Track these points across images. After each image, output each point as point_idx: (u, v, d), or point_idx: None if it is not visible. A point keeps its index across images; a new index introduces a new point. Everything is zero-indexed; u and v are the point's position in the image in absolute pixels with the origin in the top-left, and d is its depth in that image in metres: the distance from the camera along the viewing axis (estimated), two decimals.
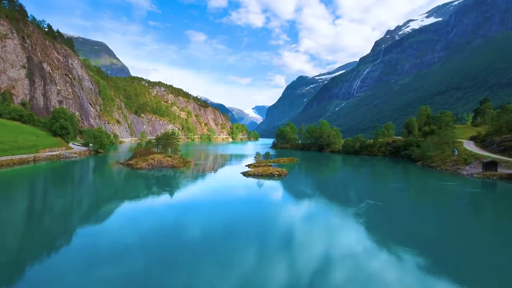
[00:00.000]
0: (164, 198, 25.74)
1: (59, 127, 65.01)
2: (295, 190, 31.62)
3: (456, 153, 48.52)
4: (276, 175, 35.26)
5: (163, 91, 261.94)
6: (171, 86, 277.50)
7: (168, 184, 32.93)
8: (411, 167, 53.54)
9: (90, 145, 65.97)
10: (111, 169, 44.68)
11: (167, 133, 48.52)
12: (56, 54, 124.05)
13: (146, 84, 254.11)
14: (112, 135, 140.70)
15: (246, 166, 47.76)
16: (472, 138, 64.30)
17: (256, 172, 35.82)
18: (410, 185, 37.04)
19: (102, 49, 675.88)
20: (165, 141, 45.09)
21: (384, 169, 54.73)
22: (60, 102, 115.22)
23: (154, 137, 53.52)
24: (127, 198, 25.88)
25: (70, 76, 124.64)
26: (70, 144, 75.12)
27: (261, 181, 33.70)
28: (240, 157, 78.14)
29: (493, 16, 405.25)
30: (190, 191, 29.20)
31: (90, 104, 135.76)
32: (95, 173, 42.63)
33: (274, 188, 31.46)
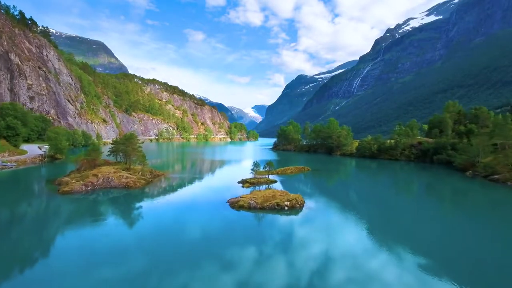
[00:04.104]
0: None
1: (4, 127, 50.91)
2: (333, 254, 14.81)
3: None
4: (286, 208, 21.10)
5: (158, 88, 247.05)
6: (166, 83, 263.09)
7: (77, 229, 17.85)
8: (461, 180, 39.89)
9: (43, 150, 51.87)
10: (21, 195, 27.73)
11: (125, 136, 33.88)
12: (27, 44, 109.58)
13: (139, 81, 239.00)
14: (95, 135, 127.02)
15: (239, 183, 33.07)
16: None
17: (253, 201, 21.82)
18: None
19: (100, 48, 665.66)
20: (124, 148, 30.91)
21: (440, 187, 38.21)
22: (31, 98, 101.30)
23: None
24: None
25: (44, 69, 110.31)
26: (33, 147, 61.30)
27: (262, 218, 20.03)
28: (235, 163, 64.57)
29: (495, 13, 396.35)
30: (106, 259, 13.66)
31: (69, 101, 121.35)
32: None
33: (286, 250, 14.87)
